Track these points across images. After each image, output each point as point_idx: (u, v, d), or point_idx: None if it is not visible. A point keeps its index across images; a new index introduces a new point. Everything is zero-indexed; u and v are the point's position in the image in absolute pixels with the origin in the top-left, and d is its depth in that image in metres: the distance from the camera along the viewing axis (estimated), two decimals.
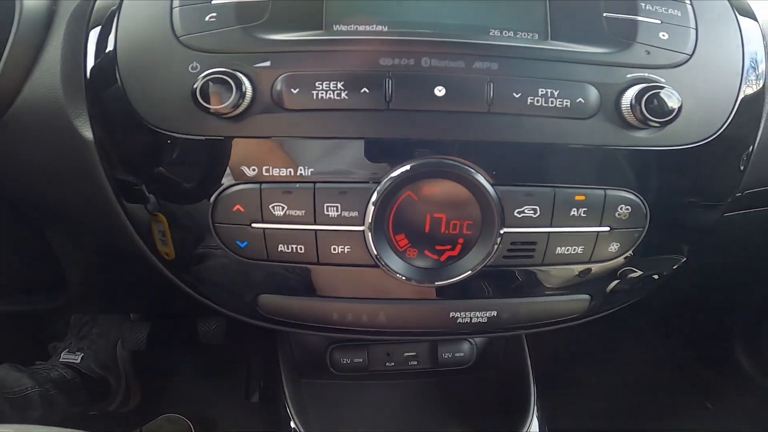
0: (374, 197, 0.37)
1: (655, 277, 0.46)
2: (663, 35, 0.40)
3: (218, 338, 1.00)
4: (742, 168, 0.42)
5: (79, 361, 0.98)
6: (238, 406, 1.06)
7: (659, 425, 0.94)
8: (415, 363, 0.65)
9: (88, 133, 0.40)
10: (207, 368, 1.11)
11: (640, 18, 0.40)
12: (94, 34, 0.40)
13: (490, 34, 0.39)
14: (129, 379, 1.06)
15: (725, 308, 0.90)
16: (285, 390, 0.63)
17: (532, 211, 0.38)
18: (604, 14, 0.40)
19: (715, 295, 0.85)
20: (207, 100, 0.34)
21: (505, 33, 0.39)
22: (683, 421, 0.95)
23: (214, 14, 0.37)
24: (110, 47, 0.38)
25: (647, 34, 0.40)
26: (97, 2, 0.41)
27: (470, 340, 0.66)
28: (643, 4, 0.40)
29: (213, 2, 0.38)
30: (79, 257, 0.59)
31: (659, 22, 0.40)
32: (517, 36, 0.39)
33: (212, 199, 0.38)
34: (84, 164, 0.41)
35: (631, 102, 0.37)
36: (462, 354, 0.65)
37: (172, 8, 0.38)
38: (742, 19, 0.42)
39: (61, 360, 0.98)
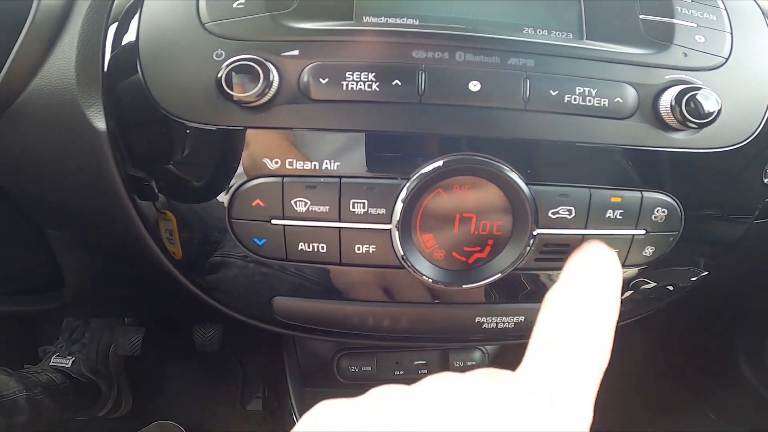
0: (403, 194, 0.35)
1: (685, 283, 0.45)
2: (699, 38, 0.40)
3: (214, 345, 0.97)
4: None
5: (69, 365, 0.95)
6: (233, 413, 1.03)
7: None
8: (426, 372, 0.63)
9: (101, 124, 0.38)
10: (201, 375, 1.08)
11: (676, 21, 0.40)
12: (113, 27, 0.39)
13: (524, 32, 0.38)
14: (121, 385, 1.03)
15: (727, 317, 0.90)
16: (292, 398, 0.60)
17: (567, 212, 0.37)
18: (641, 16, 0.39)
19: (717, 304, 0.84)
20: (231, 87, 0.33)
21: (539, 32, 0.38)
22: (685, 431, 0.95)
23: (242, 1, 0.36)
24: (131, 38, 0.37)
25: (684, 36, 0.39)
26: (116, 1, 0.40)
27: (482, 348, 0.64)
28: (678, 8, 0.40)
29: None
30: (79, 257, 0.56)
31: (695, 25, 0.40)
32: (552, 35, 0.38)
33: (230, 193, 0.36)
34: (95, 157, 0.39)
35: (670, 103, 0.36)
36: (474, 362, 0.63)
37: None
38: None
39: (51, 364, 0.95)
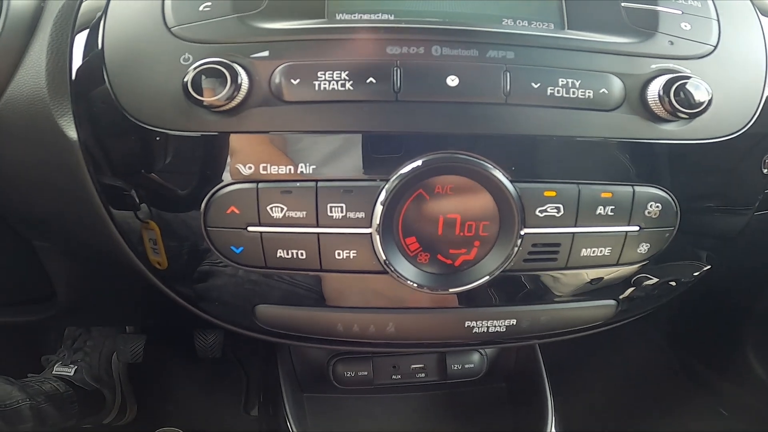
0: (382, 196, 0.34)
1: (688, 278, 0.44)
2: (685, 26, 0.38)
3: (216, 351, 0.97)
4: None
5: (72, 373, 0.95)
6: (236, 420, 1.03)
7: None
8: (423, 375, 0.61)
9: (72, 134, 0.38)
10: (205, 381, 1.08)
11: (660, 8, 0.38)
12: (81, 35, 0.38)
13: (504, 23, 0.37)
14: (125, 392, 1.03)
15: (736, 312, 0.88)
16: (286, 405, 0.59)
17: (555, 210, 0.35)
18: (623, 4, 0.38)
19: (725, 298, 0.82)
20: (200, 92, 0.32)
21: (519, 22, 0.37)
22: (696, 428, 0.92)
23: (209, 4, 0.35)
24: (97, 46, 0.36)
25: (669, 24, 0.38)
26: (84, 2, 0.39)
27: (480, 350, 0.62)
28: None
29: None
30: (66, 267, 0.56)
31: (680, 12, 0.39)
32: (532, 26, 0.37)
33: (204, 201, 0.35)
34: (69, 167, 0.38)
35: (658, 93, 0.34)
36: (472, 365, 0.62)
37: (164, 1, 0.35)
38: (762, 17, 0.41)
39: (53, 372, 0.95)
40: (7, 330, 0.93)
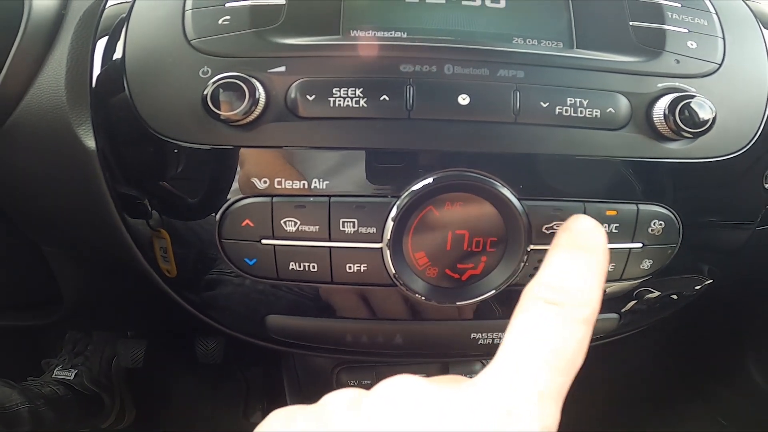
0: (393, 212, 0.35)
1: (689, 292, 0.44)
2: (691, 44, 0.39)
3: (217, 357, 0.97)
4: None
5: (72, 377, 0.95)
6: (235, 425, 1.02)
7: None
8: None
9: (90, 143, 0.38)
10: (204, 387, 1.08)
11: (667, 27, 0.39)
12: (101, 42, 0.38)
13: (514, 42, 0.37)
14: (124, 397, 1.03)
15: (736, 321, 0.88)
16: None
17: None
18: (631, 23, 0.39)
19: (725, 308, 0.82)
20: (218, 106, 0.32)
21: (529, 41, 0.38)
22: None
23: (228, 17, 0.35)
24: (118, 54, 0.37)
25: (676, 42, 0.38)
26: (107, 9, 0.39)
27: (483, 360, 0.63)
28: (669, 13, 0.39)
29: (227, 5, 0.36)
30: (75, 273, 0.56)
31: (686, 30, 0.39)
32: (542, 44, 0.38)
33: (219, 213, 0.36)
34: (85, 175, 0.39)
35: (664, 112, 0.35)
36: (475, 375, 0.62)
37: (184, 11, 0.36)
38: (765, 32, 0.42)
39: (53, 376, 0.95)
40: (9, 333, 0.93)
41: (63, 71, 0.39)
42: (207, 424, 1.02)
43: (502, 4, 0.38)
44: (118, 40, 0.37)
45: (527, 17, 0.38)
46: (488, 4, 0.38)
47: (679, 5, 0.40)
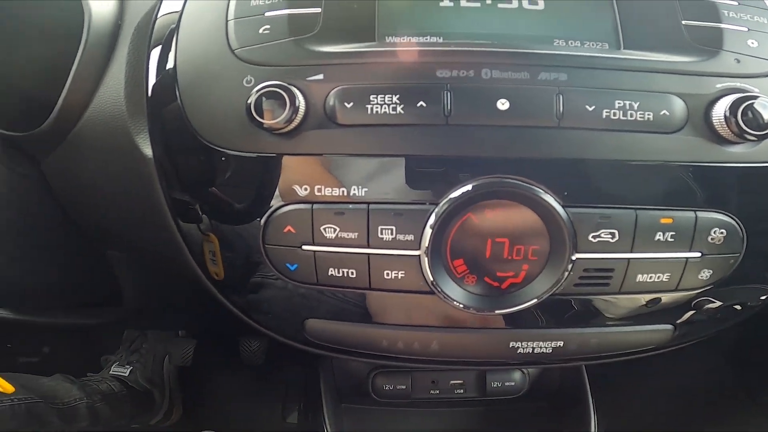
0: (432, 220, 0.34)
1: (755, 302, 0.41)
2: (752, 43, 0.37)
3: (259, 358, 1.00)
4: None
5: (127, 374, 1.00)
6: (275, 425, 1.05)
7: None
8: (462, 392, 0.62)
9: (148, 151, 0.40)
10: (246, 387, 1.11)
11: (725, 25, 0.37)
12: (155, 53, 0.40)
13: (555, 44, 0.37)
14: (172, 394, 1.07)
15: None
16: (325, 414, 0.60)
17: (609, 236, 0.35)
18: (683, 22, 0.37)
19: None
20: (261, 114, 0.33)
21: (571, 43, 0.37)
22: None
23: (268, 26, 0.37)
24: (170, 64, 0.39)
25: (734, 41, 0.37)
26: (158, 20, 0.42)
27: (523, 368, 0.61)
28: (725, 11, 0.37)
29: (266, 14, 0.37)
30: (136, 275, 0.60)
31: (746, 29, 0.37)
32: (585, 45, 0.37)
33: (263, 219, 0.37)
34: (144, 182, 0.41)
35: (725, 113, 0.33)
36: (513, 383, 0.61)
37: (227, 21, 0.37)
38: None
39: (111, 372, 1.00)
40: (71, 331, 1.00)
41: (122, 81, 0.42)
42: (246, 423, 1.05)
43: (541, 5, 0.37)
44: (170, 50, 0.39)
45: (568, 18, 0.38)
46: (526, 5, 0.37)
47: (736, 3, 0.38)
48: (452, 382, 0.61)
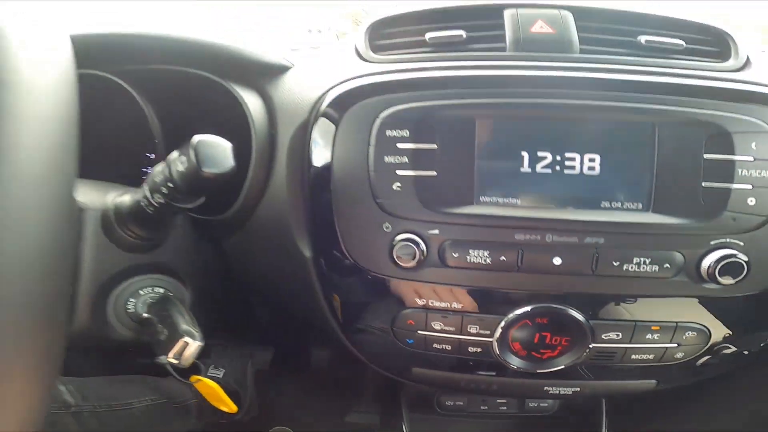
0: (502, 324, 0.55)
1: (755, 348, 0.54)
2: (751, 201, 0.44)
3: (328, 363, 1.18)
4: None
5: (221, 376, 1.19)
6: (335, 424, 1.19)
7: None
8: (505, 408, 0.83)
9: (307, 253, 0.55)
10: (312, 388, 1.26)
11: (734, 186, 0.44)
12: (314, 172, 0.51)
13: (601, 205, 0.48)
14: (251, 394, 1.24)
15: None
16: (405, 423, 0.83)
17: (615, 335, 0.54)
18: (703, 183, 0.45)
19: None
20: (399, 257, 0.52)
21: (614, 204, 0.48)
22: None
23: (399, 184, 0.49)
24: (327, 189, 0.50)
25: (738, 200, 0.44)
26: (312, 140, 0.52)
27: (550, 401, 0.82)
28: (739, 170, 0.44)
29: (397, 171, 0.49)
30: (273, 321, 0.79)
31: (750, 187, 0.44)
32: (624, 206, 0.48)
33: (394, 315, 0.58)
34: (302, 275, 0.56)
35: (708, 267, 0.45)
36: (546, 404, 0.82)
37: (369, 173, 0.49)
38: None
39: (208, 374, 1.19)
40: None
41: (284, 194, 0.53)
42: (313, 420, 1.21)
43: (597, 171, 0.48)
44: (328, 174, 0.50)
45: (615, 183, 0.48)
46: (585, 171, 0.48)
47: (751, 158, 0.43)
48: (498, 400, 0.82)
